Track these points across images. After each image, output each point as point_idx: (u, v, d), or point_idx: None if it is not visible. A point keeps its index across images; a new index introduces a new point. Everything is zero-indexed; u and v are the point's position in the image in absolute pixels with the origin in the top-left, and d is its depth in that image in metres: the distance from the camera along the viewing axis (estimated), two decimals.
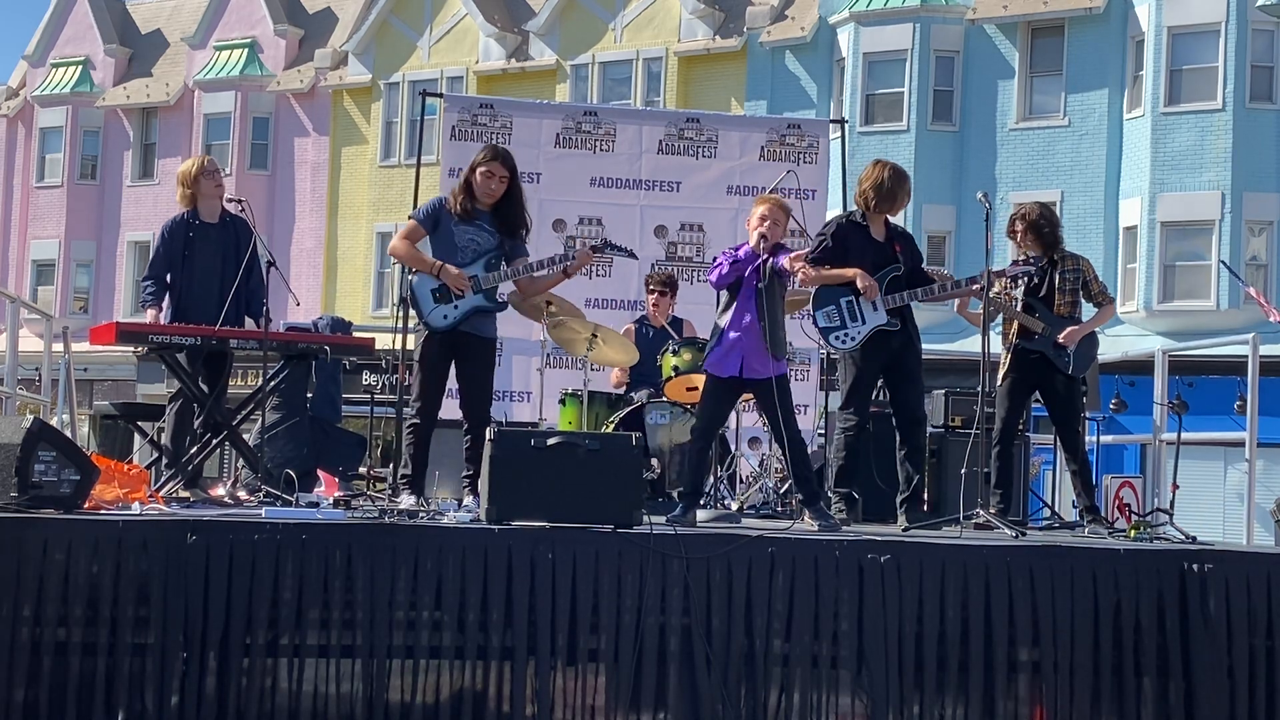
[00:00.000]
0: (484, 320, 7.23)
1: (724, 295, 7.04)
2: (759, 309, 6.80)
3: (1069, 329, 7.88)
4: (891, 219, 7.66)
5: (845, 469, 7.55)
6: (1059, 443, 8.37)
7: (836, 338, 7.46)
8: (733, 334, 6.89)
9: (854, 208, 7.72)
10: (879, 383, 7.76)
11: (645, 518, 5.82)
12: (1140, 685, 5.84)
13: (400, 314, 7.97)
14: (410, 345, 7.51)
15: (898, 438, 7.56)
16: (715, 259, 7.14)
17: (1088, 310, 8.20)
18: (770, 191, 8.89)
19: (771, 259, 6.83)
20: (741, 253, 6.92)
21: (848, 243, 7.48)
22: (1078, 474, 7.96)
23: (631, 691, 5.52)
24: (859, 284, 7.33)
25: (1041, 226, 8.00)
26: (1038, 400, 8.30)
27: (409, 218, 7.32)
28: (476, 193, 7.13)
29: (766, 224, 6.89)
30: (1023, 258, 7.99)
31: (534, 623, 5.50)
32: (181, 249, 7.75)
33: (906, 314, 7.48)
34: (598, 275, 10.60)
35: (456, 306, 7.10)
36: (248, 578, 5.35)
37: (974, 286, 7.52)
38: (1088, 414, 9.70)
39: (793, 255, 6.82)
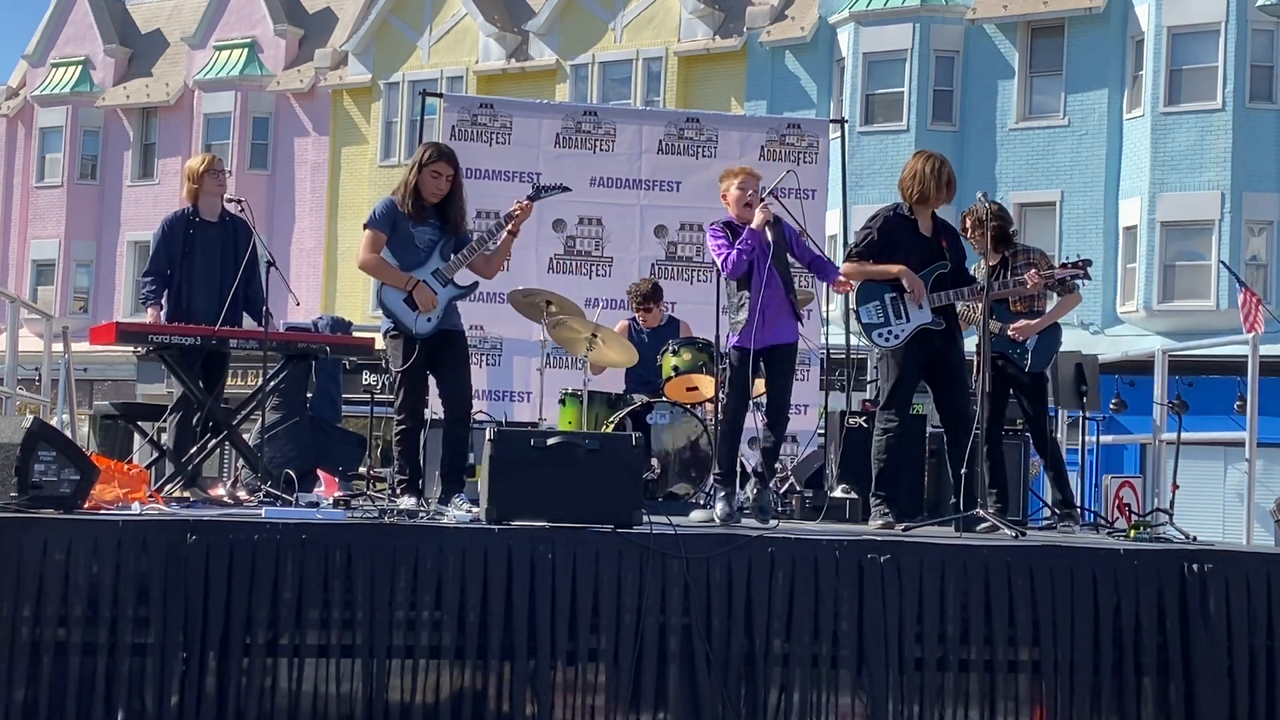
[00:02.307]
0: (453, 314, 7.23)
1: (733, 284, 7.15)
2: (781, 278, 7.06)
3: (1020, 323, 7.86)
4: (938, 212, 7.47)
5: (886, 471, 7.36)
6: (1031, 440, 8.33)
7: (880, 335, 7.35)
8: (756, 310, 6.96)
9: (900, 200, 7.50)
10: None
11: (645, 518, 5.81)
12: (1140, 685, 5.84)
13: None
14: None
15: (945, 438, 7.46)
16: (711, 241, 7.19)
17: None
18: (769, 192, 8.89)
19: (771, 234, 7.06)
20: (746, 235, 7.02)
21: (895, 237, 7.34)
22: (1048, 468, 7.97)
23: (631, 691, 5.52)
24: (905, 284, 7.24)
25: (989, 221, 7.90)
26: None
27: (365, 226, 7.17)
28: (423, 192, 7.11)
29: (754, 197, 7.10)
30: (1071, 260, 7.82)
31: (534, 623, 5.50)
32: (181, 245, 7.76)
33: (949, 312, 7.35)
34: (598, 275, 10.61)
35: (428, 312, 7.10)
36: (248, 578, 5.35)
37: (1024, 287, 7.47)
38: (1088, 414, 9.70)
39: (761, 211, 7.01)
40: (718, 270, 8.37)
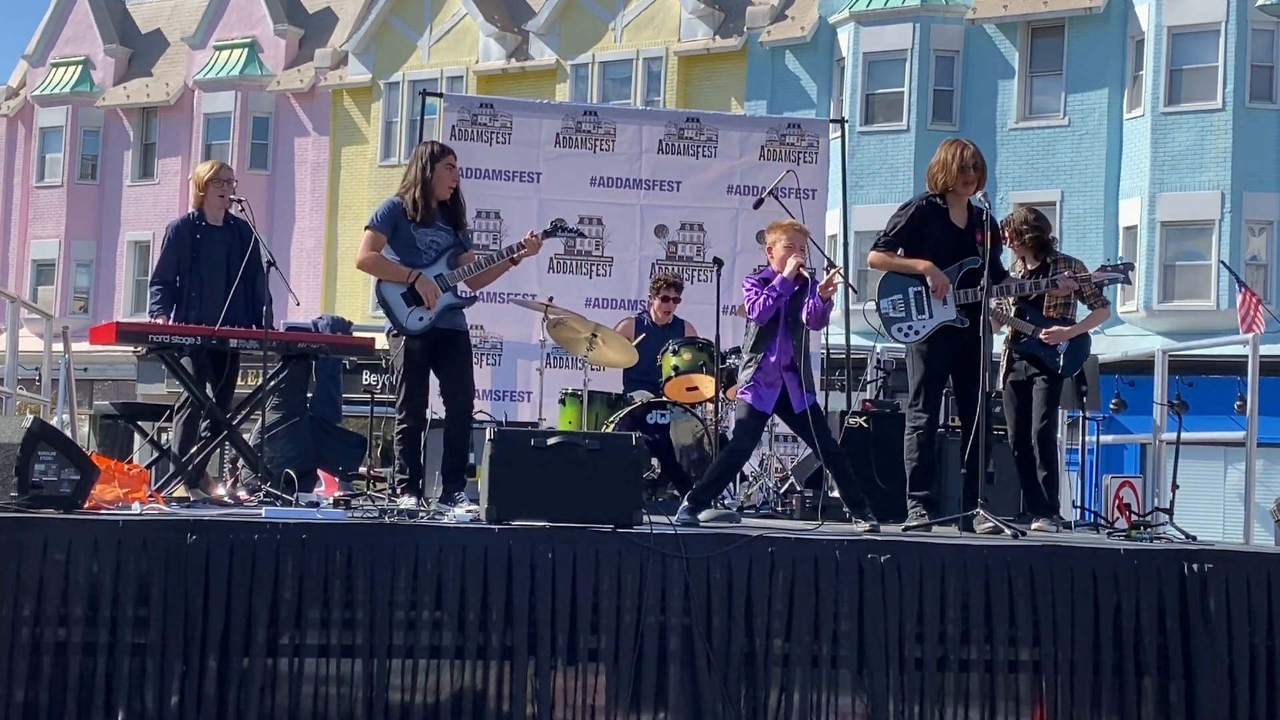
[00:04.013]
0: (455, 315, 7.26)
1: (752, 326, 6.97)
2: (794, 345, 6.82)
3: (1053, 328, 7.88)
4: (976, 203, 7.22)
5: (920, 471, 7.21)
6: (1036, 442, 8.27)
7: (899, 330, 7.20)
8: (772, 369, 6.84)
9: (928, 190, 7.33)
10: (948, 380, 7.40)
11: (645, 518, 5.81)
12: (1140, 685, 5.84)
13: None
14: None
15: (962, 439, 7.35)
16: (745, 291, 6.98)
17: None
18: (769, 192, 8.89)
19: (813, 300, 6.79)
20: (777, 283, 6.80)
21: (925, 228, 7.16)
22: (1042, 466, 7.96)
23: (632, 691, 5.52)
24: (929, 281, 7.08)
25: (1025, 232, 7.88)
26: None
27: (366, 228, 7.25)
28: (437, 189, 7.14)
29: (800, 253, 6.83)
30: (1110, 264, 7.77)
31: (534, 622, 5.49)
32: (189, 250, 7.76)
33: (977, 310, 7.12)
34: (598, 275, 10.61)
35: (430, 308, 7.12)
36: (248, 578, 5.35)
37: (1054, 290, 7.34)
38: (1088, 414, 9.70)
39: (822, 285, 6.76)
40: (718, 269, 8.38)
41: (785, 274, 6.81)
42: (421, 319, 7.11)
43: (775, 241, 6.99)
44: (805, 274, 6.82)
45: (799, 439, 9.79)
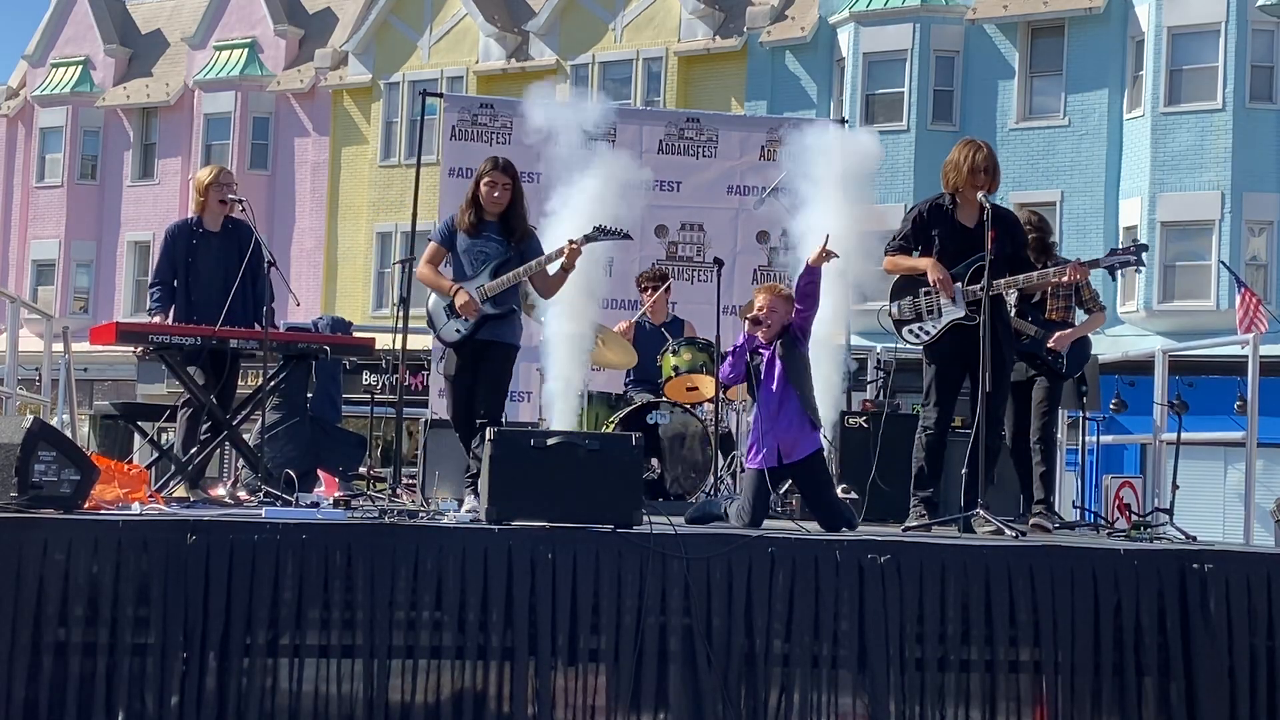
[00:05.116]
0: (502, 326, 7.33)
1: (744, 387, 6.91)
2: (788, 385, 6.74)
3: (1060, 334, 7.89)
4: (987, 201, 7.02)
5: (924, 471, 7.14)
6: (1038, 440, 8.25)
7: (911, 332, 7.16)
8: (761, 426, 6.79)
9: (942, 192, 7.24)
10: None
11: (645, 518, 5.81)
12: (1141, 685, 5.83)
13: (400, 314, 7.99)
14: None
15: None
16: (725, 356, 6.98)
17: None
18: (769, 192, 8.89)
19: (804, 277, 6.75)
20: (740, 339, 6.83)
21: (930, 229, 7.10)
22: (1040, 462, 7.94)
23: (632, 691, 5.51)
24: (930, 277, 7.01)
25: (1027, 233, 7.88)
26: None
27: (429, 240, 7.57)
28: (484, 203, 7.30)
29: (761, 311, 6.79)
30: (1122, 247, 7.69)
31: (534, 623, 5.49)
32: (185, 255, 7.78)
33: (997, 306, 7.01)
34: None
35: (468, 320, 7.25)
36: (248, 578, 5.34)
37: (1062, 278, 7.19)
38: (1088, 414, 9.70)
39: (814, 255, 6.72)
40: (718, 269, 8.39)
41: (746, 330, 6.81)
42: (458, 331, 7.29)
43: (754, 300, 6.97)
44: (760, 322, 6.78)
45: None
